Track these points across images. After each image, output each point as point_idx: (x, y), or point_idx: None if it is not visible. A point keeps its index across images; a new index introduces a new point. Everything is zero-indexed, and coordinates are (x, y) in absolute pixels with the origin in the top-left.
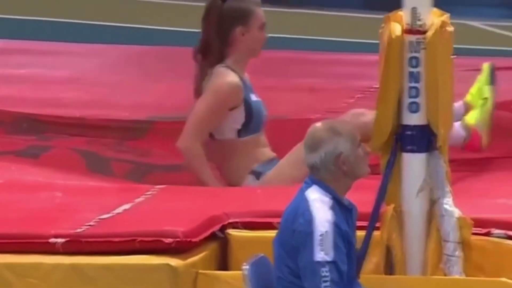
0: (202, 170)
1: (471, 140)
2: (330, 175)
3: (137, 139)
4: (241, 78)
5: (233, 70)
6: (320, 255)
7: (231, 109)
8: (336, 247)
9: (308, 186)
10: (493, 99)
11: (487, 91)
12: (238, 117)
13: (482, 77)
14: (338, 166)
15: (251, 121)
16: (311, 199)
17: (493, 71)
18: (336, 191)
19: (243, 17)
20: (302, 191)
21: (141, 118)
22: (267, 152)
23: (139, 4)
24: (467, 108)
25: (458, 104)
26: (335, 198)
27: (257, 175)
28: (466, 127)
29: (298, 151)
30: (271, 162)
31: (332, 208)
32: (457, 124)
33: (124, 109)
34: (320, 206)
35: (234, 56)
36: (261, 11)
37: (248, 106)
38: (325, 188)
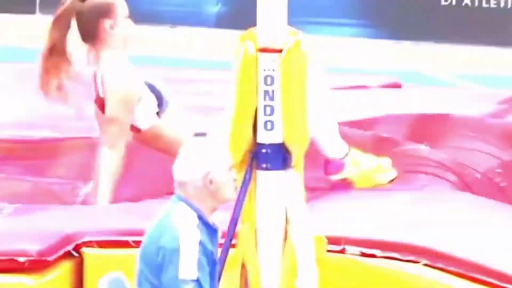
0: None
1: (344, 180)
2: (196, 192)
3: None
4: None
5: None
6: (185, 273)
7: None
8: (200, 266)
9: (175, 203)
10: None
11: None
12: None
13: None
14: (205, 184)
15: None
16: (178, 217)
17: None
18: (202, 210)
19: (108, 10)
20: (168, 208)
21: None
22: None
23: None
24: None
25: None
26: (201, 217)
27: None
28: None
29: None
30: None
31: (198, 226)
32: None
33: None
34: (187, 224)
35: (109, 51)
36: (124, 2)
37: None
38: (192, 206)
